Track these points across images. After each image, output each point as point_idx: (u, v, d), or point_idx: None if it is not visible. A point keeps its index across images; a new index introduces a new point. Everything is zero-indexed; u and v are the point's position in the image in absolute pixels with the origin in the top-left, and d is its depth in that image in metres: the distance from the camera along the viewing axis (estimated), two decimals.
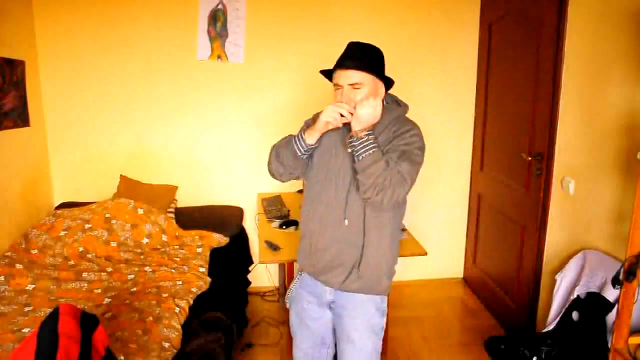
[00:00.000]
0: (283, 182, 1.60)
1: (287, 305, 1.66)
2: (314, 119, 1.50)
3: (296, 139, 1.44)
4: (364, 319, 1.50)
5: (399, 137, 1.39)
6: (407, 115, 1.49)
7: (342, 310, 1.52)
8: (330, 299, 1.53)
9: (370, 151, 1.31)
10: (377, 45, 1.44)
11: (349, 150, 1.37)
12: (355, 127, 1.34)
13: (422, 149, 1.41)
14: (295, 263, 1.74)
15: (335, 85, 1.42)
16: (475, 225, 3.14)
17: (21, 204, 2.62)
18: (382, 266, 1.48)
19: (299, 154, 1.43)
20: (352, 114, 1.35)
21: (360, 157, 1.32)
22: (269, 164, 1.55)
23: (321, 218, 1.46)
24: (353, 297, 1.49)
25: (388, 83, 1.45)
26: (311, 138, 1.41)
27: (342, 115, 1.35)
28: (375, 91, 1.41)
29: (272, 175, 1.57)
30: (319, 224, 1.47)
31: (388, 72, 1.45)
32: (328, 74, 1.47)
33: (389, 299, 2.38)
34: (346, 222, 1.42)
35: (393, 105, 1.49)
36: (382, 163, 1.30)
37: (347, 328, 1.51)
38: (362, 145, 1.32)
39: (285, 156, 1.46)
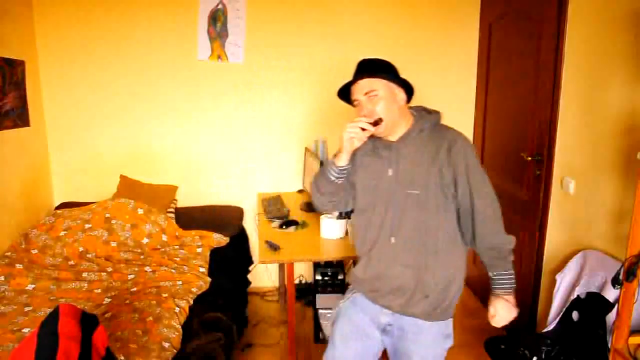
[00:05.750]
0: (331, 211, 1.85)
1: (331, 319, 1.58)
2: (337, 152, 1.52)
3: (327, 165, 1.51)
4: (425, 345, 1.43)
5: (462, 162, 1.38)
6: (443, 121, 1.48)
7: (401, 333, 1.45)
8: (387, 322, 1.47)
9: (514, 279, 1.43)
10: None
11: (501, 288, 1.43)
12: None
13: (477, 156, 1.46)
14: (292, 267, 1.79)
15: (354, 102, 1.46)
16: None
17: (21, 204, 2.62)
18: (449, 287, 1.42)
19: (333, 178, 1.49)
20: (373, 124, 1.37)
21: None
22: (313, 199, 1.62)
23: (374, 242, 1.46)
24: (414, 322, 1.42)
25: (407, 90, 1.45)
26: (340, 160, 1.45)
27: (363, 130, 1.37)
28: (392, 96, 1.40)
29: (319, 209, 1.70)
30: (373, 249, 1.46)
31: None
32: (347, 98, 1.50)
33: None
34: (392, 239, 1.41)
35: (423, 114, 1.48)
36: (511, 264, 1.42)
37: (408, 352, 1.43)
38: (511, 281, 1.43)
39: (322, 184, 1.53)
